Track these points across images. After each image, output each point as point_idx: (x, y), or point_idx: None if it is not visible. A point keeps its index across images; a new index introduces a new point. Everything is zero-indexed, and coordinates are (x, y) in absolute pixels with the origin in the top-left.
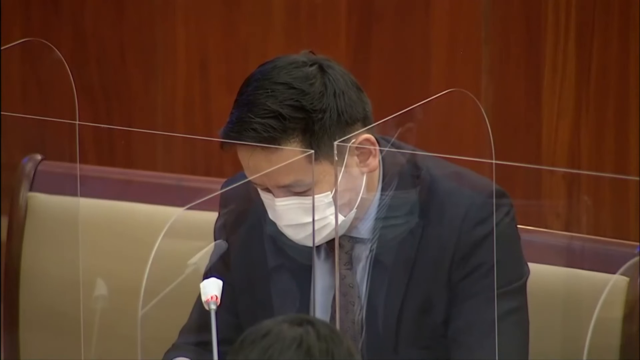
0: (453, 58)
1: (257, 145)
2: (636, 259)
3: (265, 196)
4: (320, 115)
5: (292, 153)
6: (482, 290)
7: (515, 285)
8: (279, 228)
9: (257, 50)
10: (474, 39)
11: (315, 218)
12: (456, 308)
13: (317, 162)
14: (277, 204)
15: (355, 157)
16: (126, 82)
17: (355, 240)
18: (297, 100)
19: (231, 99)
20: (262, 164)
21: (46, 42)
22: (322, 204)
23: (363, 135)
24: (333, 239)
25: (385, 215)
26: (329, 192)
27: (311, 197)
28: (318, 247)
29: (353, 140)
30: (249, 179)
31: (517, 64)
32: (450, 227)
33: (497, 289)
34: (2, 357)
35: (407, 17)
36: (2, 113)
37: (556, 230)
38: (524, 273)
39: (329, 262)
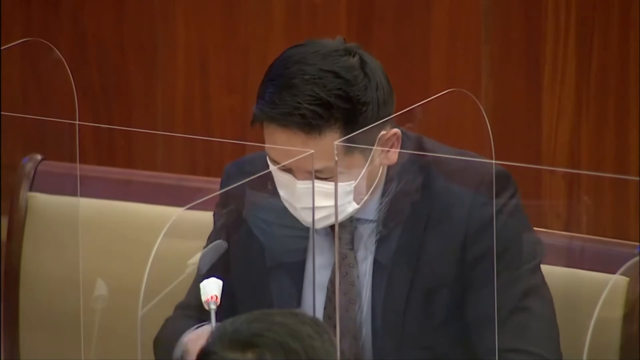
0: (453, 58)
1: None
2: (636, 259)
3: (282, 176)
4: (364, 108)
5: (331, 140)
6: (502, 270)
7: (536, 262)
8: (292, 211)
9: (257, 50)
10: (474, 39)
11: (327, 204)
12: (474, 292)
13: (350, 153)
14: (299, 186)
15: (379, 149)
16: (126, 82)
17: (358, 221)
18: (344, 91)
19: (231, 99)
20: (297, 147)
21: (46, 42)
22: (343, 192)
23: (393, 130)
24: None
25: (391, 198)
26: (353, 182)
27: (332, 183)
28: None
29: (383, 132)
30: (284, 164)
31: (517, 64)
32: (459, 206)
33: (520, 266)
34: (2, 357)
35: (407, 17)
36: (2, 113)
37: (556, 230)
38: (539, 253)
39: (328, 239)
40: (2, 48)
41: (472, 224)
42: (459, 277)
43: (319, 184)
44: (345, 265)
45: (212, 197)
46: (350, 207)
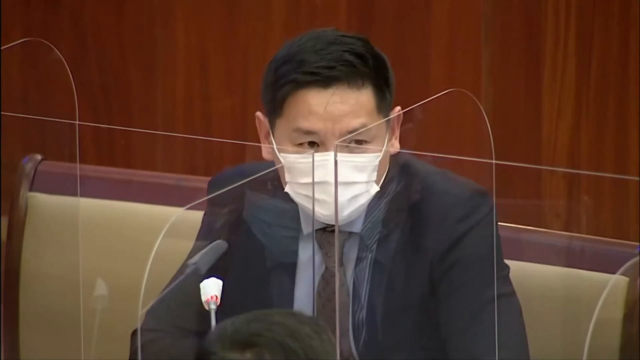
0: (453, 58)
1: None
2: (636, 259)
3: (304, 159)
4: (387, 72)
5: (367, 95)
6: (467, 282)
7: (500, 274)
8: (320, 196)
9: (257, 50)
10: (474, 39)
11: (362, 180)
12: (443, 305)
13: (378, 116)
14: (340, 159)
15: (387, 134)
16: (126, 82)
17: (346, 236)
18: (371, 50)
19: (231, 99)
20: (337, 106)
21: (46, 42)
22: (370, 165)
23: (397, 108)
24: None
25: (375, 212)
26: (379, 154)
27: (365, 156)
28: (307, 242)
29: (398, 108)
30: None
31: (517, 64)
32: (432, 225)
33: (482, 279)
34: (2, 357)
35: (407, 18)
36: (2, 113)
37: (556, 230)
38: (506, 266)
39: (317, 257)
40: (2, 48)
41: (439, 245)
42: (434, 291)
43: (352, 157)
44: (334, 283)
45: (211, 197)
46: (373, 188)
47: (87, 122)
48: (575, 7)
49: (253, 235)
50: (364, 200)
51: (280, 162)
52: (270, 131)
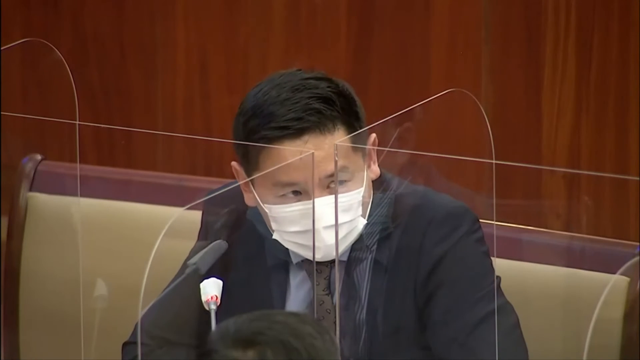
0: (453, 58)
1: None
2: (636, 259)
3: (289, 209)
4: (355, 107)
5: (340, 137)
6: (451, 307)
7: (488, 290)
8: (301, 241)
9: (257, 50)
10: (474, 39)
11: (347, 219)
12: (430, 332)
13: (355, 153)
14: (320, 202)
15: (361, 161)
16: (126, 82)
17: (333, 265)
18: (336, 88)
19: (231, 99)
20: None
21: (46, 42)
22: (354, 202)
23: (373, 135)
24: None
25: (361, 236)
26: (361, 189)
27: (347, 194)
28: (296, 269)
29: (374, 135)
30: (290, 180)
31: (517, 64)
32: (412, 251)
33: (466, 300)
34: (2, 357)
35: (407, 18)
36: (2, 113)
37: (556, 230)
38: (494, 279)
39: (304, 288)
40: (2, 48)
41: (422, 267)
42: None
43: (332, 198)
44: (322, 310)
45: (211, 197)
46: (360, 223)
47: (87, 122)
48: (575, 7)
49: (255, 234)
50: (353, 237)
51: (265, 212)
52: (250, 182)
